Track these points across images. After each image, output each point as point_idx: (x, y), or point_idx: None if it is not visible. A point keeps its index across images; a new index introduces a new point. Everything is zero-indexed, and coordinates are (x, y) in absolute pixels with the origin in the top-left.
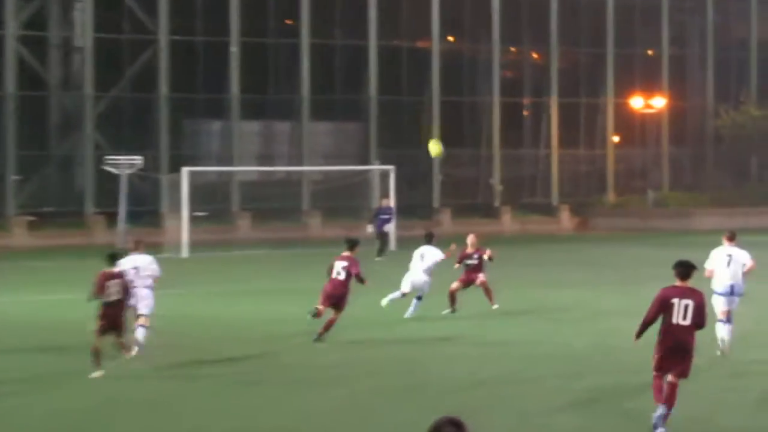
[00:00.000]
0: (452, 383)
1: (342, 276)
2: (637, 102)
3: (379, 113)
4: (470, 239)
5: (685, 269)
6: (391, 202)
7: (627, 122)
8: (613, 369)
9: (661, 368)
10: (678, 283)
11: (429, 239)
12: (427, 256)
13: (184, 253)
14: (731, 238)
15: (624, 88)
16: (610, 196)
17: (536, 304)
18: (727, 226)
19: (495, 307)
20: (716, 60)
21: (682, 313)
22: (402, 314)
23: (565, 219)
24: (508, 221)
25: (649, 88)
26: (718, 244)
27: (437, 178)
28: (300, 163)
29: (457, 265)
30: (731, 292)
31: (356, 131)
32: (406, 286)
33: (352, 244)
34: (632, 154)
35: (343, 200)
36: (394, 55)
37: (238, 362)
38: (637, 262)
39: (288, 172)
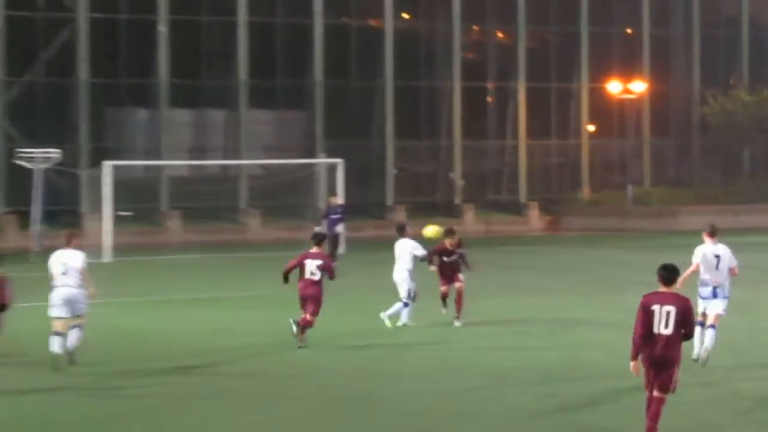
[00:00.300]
0: (409, 399)
1: (317, 276)
2: (614, 87)
3: (325, 100)
4: (448, 242)
5: (668, 273)
6: (341, 199)
7: (603, 109)
8: (587, 385)
9: (648, 382)
10: (661, 288)
11: (401, 231)
12: (403, 253)
13: (107, 257)
14: (713, 234)
15: (600, 72)
16: (585, 193)
17: (502, 314)
18: (717, 225)
19: (458, 324)
20: (703, 39)
21: (663, 321)
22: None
23: (535, 218)
24: (470, 221)
25: (628, 71)
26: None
27: (391, 172)
28: (237, 157)
29: (432, 268)
30: (714, 296)
31: (300, 120)
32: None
33: (320, 239)
34: (609, 146)
35: (285, 198)
36: (343, 34)
37: (168, 377)
38: (615, 266)
39: (223, 167)
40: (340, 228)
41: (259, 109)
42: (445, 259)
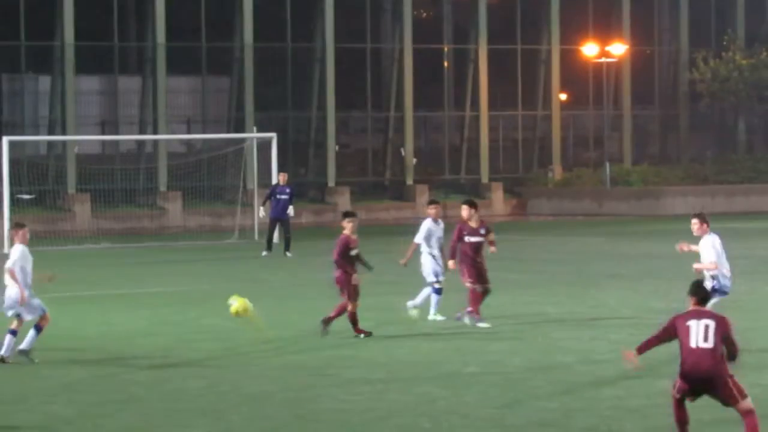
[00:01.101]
0: (345, 418)
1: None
2: (589, 49)
3: (256, 65)
4: (466, 212)
5: (702, 292)
6: (274, 181)
7: (577, 76)
8: (559, 393)
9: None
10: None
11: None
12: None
13: (6, 247)
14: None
15: (573, 31)
16: (556, 172)
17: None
18: (708, 209)
19: (478, 324)
20: None
21: (702, 335)
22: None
23: (498, 201)
24: (424, 204)
25: (606, 30)
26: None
27: (332, 149)
28: (155, 131)
29: (451, 263)
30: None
31: (227, 89)
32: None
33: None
34: (584, 118)
35: (210, 179)
36: None
37: (75, 385)
38: (590, 256)
39: (139, 143)
40: (290, 212)
41: (180, 75)
42: (470, 239)
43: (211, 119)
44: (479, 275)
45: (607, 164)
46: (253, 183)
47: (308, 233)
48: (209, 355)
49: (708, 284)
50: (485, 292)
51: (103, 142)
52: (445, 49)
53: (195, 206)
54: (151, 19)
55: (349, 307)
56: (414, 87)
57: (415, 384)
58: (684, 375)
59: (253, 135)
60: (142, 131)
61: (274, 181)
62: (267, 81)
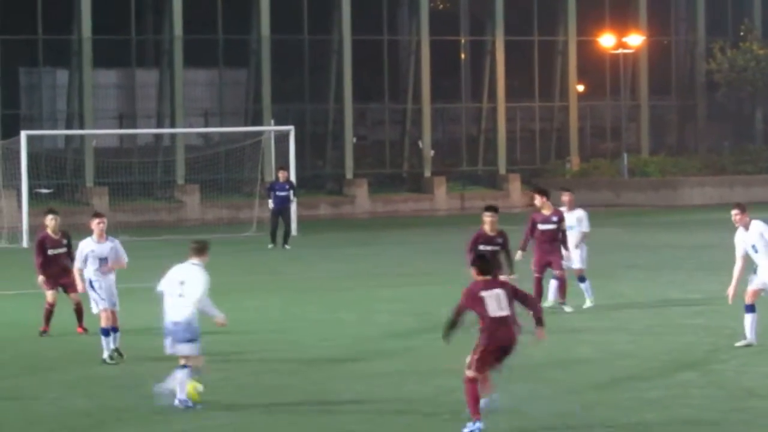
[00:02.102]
0: (364, 409)
1: None
2: (607, 40)
3: (273, 58)
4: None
5: (484, 264)
6: (293, 174)
7: (594, 66)
8: (577, 384)
9: None
10: None
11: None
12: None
13: (25, 242)
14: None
15: (590, 23)
16: (573, 163)
17: None
18: (726, 199)
19: (568, 309)
20: None
21: None
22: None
23: (516, 192)
24: (442, 196)
25: (623, 21)
26: (711, 221)
27: (350, 141)
28: (172, 124)
29: (520, 254)
30: None
31: (244, 82)
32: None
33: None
34: (601, 108)
35: (228, 172)
36: None
37: (98, 382)
38: (607, 247)
39: (157, 136)
40: (292, 206)
41: (197, 68)
42: (544, 227)
43: (228, 112)
44: (550, 263)
45: (625, 155)
46: (271, 175)
47: (326, 225)
48: (228, 348)
49: None
50: (559, 279)
51: (121, 136)
52: (462, 40)
53: (213, 199)
54: (168, 12)
55: None
56: (431, 79)
57: (434, 375)
58: (488, 344)
59: (270, 128)
60: (159, 124)
61: (290, 177)
62: (284, 73)
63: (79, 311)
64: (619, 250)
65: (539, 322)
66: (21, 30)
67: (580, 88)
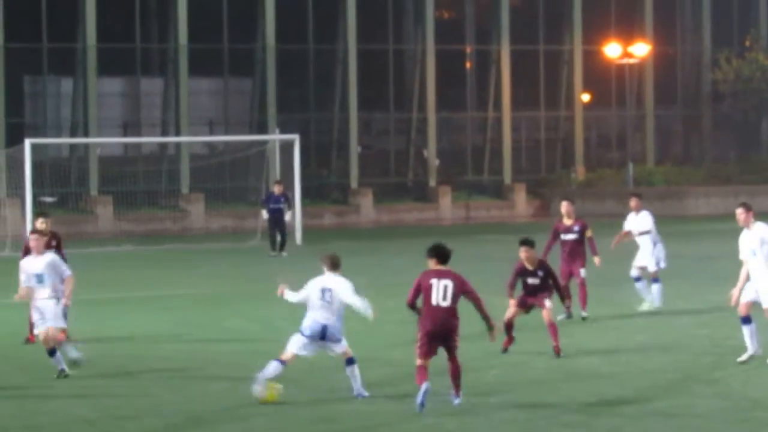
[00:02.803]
0: (368, 419)
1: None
2: (612, 49)
3: (278, 67)
4: (565, 207)
5: (442, 252)
6: (297, 183)
7: (600, 76)
8: (582, 394)
9: None
10: None
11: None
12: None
13: None
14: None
15: (596, 32)
16: (579, 173)
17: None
18: (731, 209)
19: (585, 314)
20: None
21: None
22: None
23: (521, 202)
24: (447, 206)
25: (628, 31)
26: (716, 231)
27: (355, 150)
28: (177, 133)
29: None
30: None
31: (249, 90)
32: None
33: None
34: (607, 118)
35: (232, 181)
36: None
37: (98, 389)
38: (612, 258)
39: (161, 145)
40: (287, 217)
41: (202, 77)
42: (565, 237)
43: (233, 121)
44: (572, 272)
45: (630, 165)
46: (282, 186)
47: (330, 235)
48: (232, 358)
49: None
50: (580, 285)
51: (126, 144)
52: (468, 50)
53: (217, 208)
54: (173, 20)
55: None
56: (436, 88)
57: (439, 386)
58: (427, 332)
59: (275, 136)
60: (164, 133)
61: (282, 189)
62: (289, 82)
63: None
64: (623, 260)
65: (488, 323)
66: (26, 38)
67: (586, 97)
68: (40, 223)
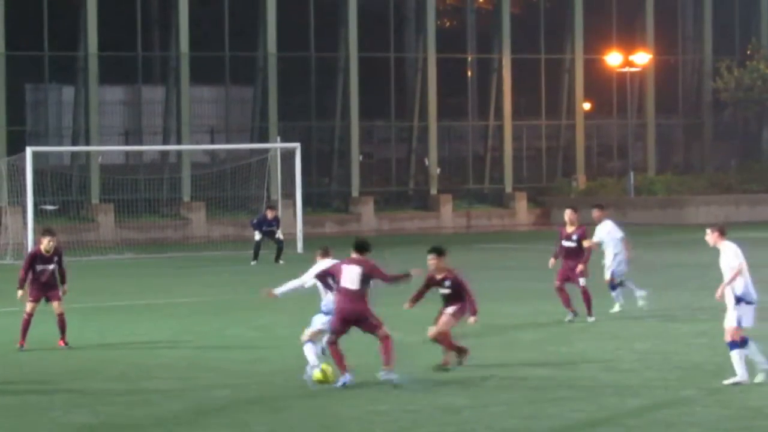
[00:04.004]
0: (369, 427)
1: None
2: (613, 58)
3: (279, 75)
4: (568, 215)
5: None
6: (299, 192)
7: (601, 85)
8: (582, 402)
9: None
10: None
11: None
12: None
13: None
14: (724, 233)
15: (597, 41)
16: (580, 181)
17: (484, 322)
18: (732, 218)
19: (590, 319)
20: (715, 2)
21: None
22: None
23: (522, 210)
24: (448, 214)
25: (630, 40)
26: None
27: (356, 159)
28: (178, 141)
29: (552, 261)
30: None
31: (251, 99)
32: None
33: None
34: (608, 127)
35: (234, 189)
36: None
37: (98, 398)
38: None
39: (163, 153)
40: (279, 235)
41: (203, 85)
42: (567, 244)
43: (234, 129)
44: (569, 278)
45: (631, 173)
46: (277, 193)
47: (331, 243)
48: (233, 366)
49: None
50: (582, 293)
51: (127, 153)
52: (469, 58)
53: (218, 216)
54: (174, 28)
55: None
56: (438, 96)
57: (440, 393)
58: (336, 312)
59: (277, 145)
60: (165, 141)
61: (278, 214)
62: (291, 90)
63: (62, 324)
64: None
65: (400, 279)
66: (27, 46)
67: (587, 106)
68: (47, 242)
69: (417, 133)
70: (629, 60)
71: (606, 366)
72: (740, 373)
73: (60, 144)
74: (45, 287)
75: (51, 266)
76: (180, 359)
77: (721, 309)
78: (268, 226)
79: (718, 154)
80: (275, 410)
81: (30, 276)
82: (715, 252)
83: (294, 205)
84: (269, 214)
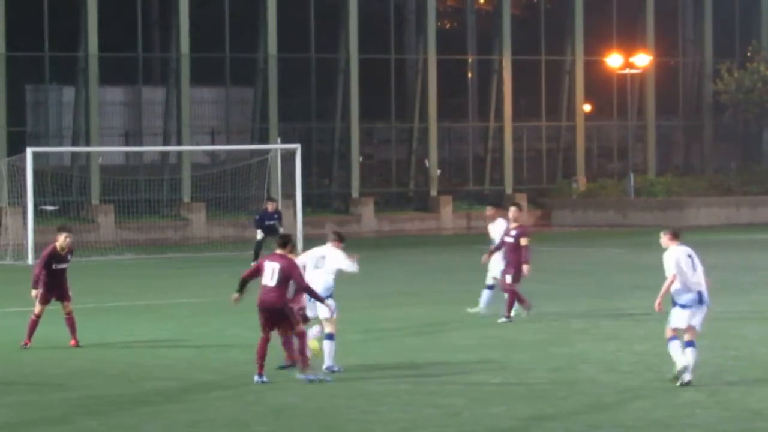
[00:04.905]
0: (369, 429)
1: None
2: (614, 60)
3: (280, 77)
4: (512, 212)
5: (282, 239)
6: (297, 194)
7: (601, 86)
8: (582, 404)
9: None
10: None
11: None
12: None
13: (30, 259)
14: (677, 237)
15: (597, 42)
16: (580, 183)
17: (484, 324)
18: (732, 220)
19: (502, 320)
20: (716, 4)
21: None
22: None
23: (522, 212)
24: (448, 215)
25: (630, 41)
26: (717, 242)
27: (356, 160)
28: (179, 142)
29: (485, 257)
30: (699, 301)
31: (251, 100)
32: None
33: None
34: (608, 128)
35: (234, 190)
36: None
37: (100, 399)
38: (614, 268)
39: (163, 154)
40: (281, 231)
41: (204, 86)
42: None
43: (234, 130)
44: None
45: (632, 175)
46: (278, 194)
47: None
48: (234, 366)
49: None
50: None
51: (127, 153)
52: (469, 59)
53: (219, 217)
54: (175, 29)
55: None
56: (438, 98)
57: (440, 395)
58: (257, 306)
59: (277, 146)
60: (165, 142)
61: (276, 206)
62: (291, 92)
63: (71, 323)
64: (624, 270)
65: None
66: (27, 47)
67: (587, 107)
68: (64, 238)
69: (417, 135)
70: (630, 62)
71: (606, 367)
72: (678, 361)
73: (60, 145)
74: (57, 287)
75: (65, 265)
76: (180, 359)
77: (721, 310)
78: (269, 220)
79: (719, 156)
80: (275, 411)
81: (45, 276)
82: (715, 253)
83: (294, 206)
84: (269, 207)
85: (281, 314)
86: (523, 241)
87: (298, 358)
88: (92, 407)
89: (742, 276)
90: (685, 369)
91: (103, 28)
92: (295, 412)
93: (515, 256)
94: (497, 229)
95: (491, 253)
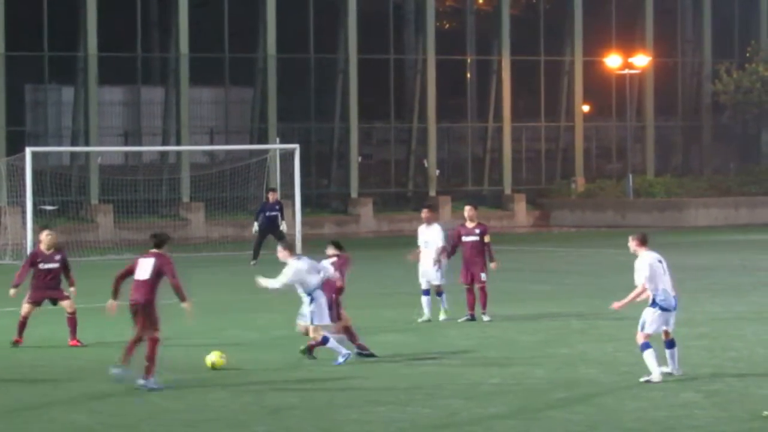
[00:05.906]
0: (367, 430)
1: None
2: (613, 60)
3: (279, 77)
4: (467, 211)
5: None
6: (297, 193)
7: (600, 87)
8: (581, 404)
9: None
10: None
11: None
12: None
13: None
14: (645, 242)
15: (596, 43)
16: (579, 183)
17: (483, 324)
18: (731, 220)
19: (486, 318)
20: (715, 5)
21: None
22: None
23: (521, 212)
24: (446, 216)
25: (629, 42)
26: (716, 243)
27: (355, 160)
28: (178, 142)
29: (444, 260)
30: (675, 306)
31: (250, 100)
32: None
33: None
34: (607, 129)
35: (233, 190)
36: (298, 0)
37: (103, 399)
38: (613, 269)
39: (162, 154)
40: (283, 226)
41: (203, 86)
42: (467, 239)
43: (234, 130)
44: (473, 274)
45: (630, 176)
46: (277, 194)
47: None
48: (232, 366)
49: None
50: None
51: (126, 153)
52: (468, 60)
53: (218, 217)
54: (174, 29)
55: None
56: (437, 98)
57: (438, 396)
58: (129, 300)
59: (276, 146)
60: (165, 142)
61: (277, 196)
62: (290, 92)
63: (72, 323)
64: (623, 271)
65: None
66: (27, 47)
67: (586, 108)
68: (45, 236)
69: (416, 135)
70: (628, 62)
71: (605, 368)
72: (653, 371)
73: (59, 144)
74: (47, 289)
75: (53, 265)
76: (178, 359)
77: (720, 311)
78: (270, 211)
79: (717, 157)
80: (273, 411)
81: (32, 277)
82: (714, 254)
83: (293, 206)
84: (270, 197)
85: (147, 310)
86: (487, 238)
87: (147, 364)
88: (89, 405)
89: (740, 277)
90: (670, 375)
91: (102, 28)
92: (294, 412)
93: (481, 255)
94: (432, 233)
95: (442, 253)
